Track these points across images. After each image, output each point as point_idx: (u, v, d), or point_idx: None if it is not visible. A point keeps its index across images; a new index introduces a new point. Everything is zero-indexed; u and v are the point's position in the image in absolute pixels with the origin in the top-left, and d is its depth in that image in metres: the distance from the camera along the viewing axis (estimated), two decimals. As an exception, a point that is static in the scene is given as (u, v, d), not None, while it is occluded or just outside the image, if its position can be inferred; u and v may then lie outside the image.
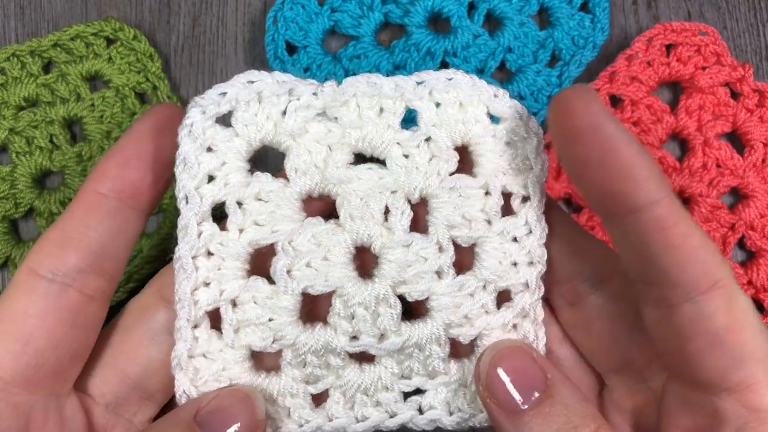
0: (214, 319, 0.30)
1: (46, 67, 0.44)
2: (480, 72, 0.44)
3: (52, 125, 0.43)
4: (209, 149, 0.29)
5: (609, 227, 0.27)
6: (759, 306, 0.42)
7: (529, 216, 0.30)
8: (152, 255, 0.41)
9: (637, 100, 0.43)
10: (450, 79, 0.30)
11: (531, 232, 0.31)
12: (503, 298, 0.31)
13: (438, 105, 0.30)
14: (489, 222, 0.30)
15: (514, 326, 0.31)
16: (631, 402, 0.31)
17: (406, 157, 0.30)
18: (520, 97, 0.43)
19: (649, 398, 0.30)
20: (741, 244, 0.43)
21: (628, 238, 0.26)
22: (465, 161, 0.31)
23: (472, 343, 0.31)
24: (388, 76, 0.30)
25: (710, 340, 0.26)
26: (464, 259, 0.31)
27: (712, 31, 0.43)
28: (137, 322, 0.31)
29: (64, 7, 0.46)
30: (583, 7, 0.44)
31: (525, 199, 0.31)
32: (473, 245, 0.31)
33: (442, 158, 0.30)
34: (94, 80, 0.45)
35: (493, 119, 0.30)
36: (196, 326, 0.30)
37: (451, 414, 0.31)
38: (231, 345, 0.30)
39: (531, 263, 0.31)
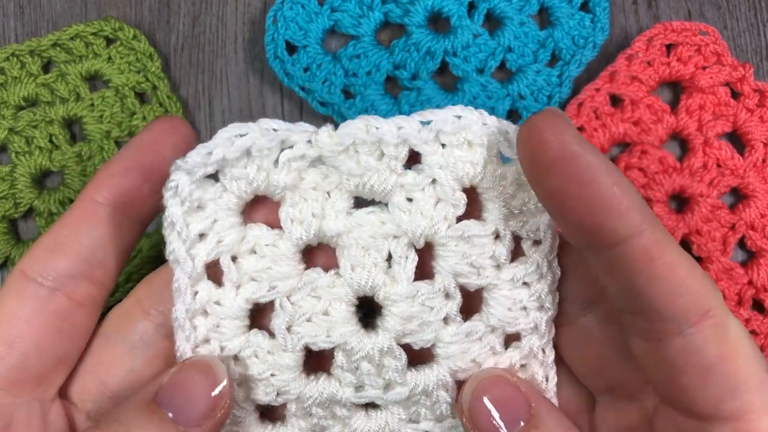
0: None
1: (46, 67, 0.44)
2: (480, 72, 0.44)
3: (52, 125, 0.43)
4: (198, 206, 0.28)
5: (590, 260, 0.26)
6: (759, 306, 0.42)
7: (541, 260, 0.29)
8: (152, 255, 0.41)
9: (637, 100, 0.43)
10: (458, 117, 0.28)
11: (542, 276, 0.29)
12: (512, 336, 0.30)
13: (444, 145, 0.28)
14: (498, 267, 0.29)
15: (523, 366, 0.30)
16: (623, 421, 0.30)
17: (410, 200, 0.28)
18: (520, 97, 0.43)
19: (642, 418, 0.29)
20: (741, 244, 0.43)
21: (612, 270, 0.25)
22: (473, 201, 0.29)
23: None
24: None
25: (703, 371, 0.25)
26: (472, 301, 0.30)
27: (713, 30, 0.43)
28: (117, 333, 0.30)
29: (63, 6, 0.46)
30: (583, 7, 0.44)
31: (536, 242, 0.29)
32: (481, 288, 0.29)
33: (449, 202, 0.28)
34: (94, 80, 0.45)
35: (504, 159, 0.28)
36: None
37: None
38: (235, 400, 0.29)
39: (541, 308, 0.29)
